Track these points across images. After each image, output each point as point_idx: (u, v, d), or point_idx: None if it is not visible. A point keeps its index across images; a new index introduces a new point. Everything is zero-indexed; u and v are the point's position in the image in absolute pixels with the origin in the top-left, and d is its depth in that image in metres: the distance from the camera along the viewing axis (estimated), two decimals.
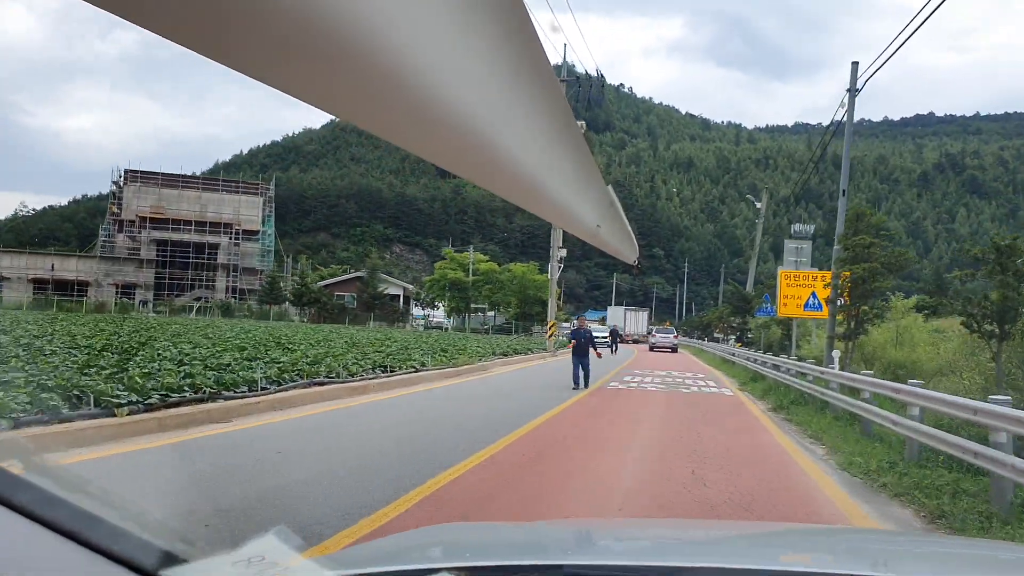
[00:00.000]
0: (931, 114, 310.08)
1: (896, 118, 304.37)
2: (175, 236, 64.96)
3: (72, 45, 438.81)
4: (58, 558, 0.85)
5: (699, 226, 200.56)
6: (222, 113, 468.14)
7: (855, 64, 17.50)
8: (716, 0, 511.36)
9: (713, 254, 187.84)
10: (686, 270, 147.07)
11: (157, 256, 64.46)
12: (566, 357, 39.08)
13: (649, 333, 60.00)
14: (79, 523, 0.87)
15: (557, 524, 3.78)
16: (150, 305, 61.05)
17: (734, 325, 36.53)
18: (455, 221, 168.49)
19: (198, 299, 63.23)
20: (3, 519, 0.82)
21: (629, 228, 8.44)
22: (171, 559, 0.92)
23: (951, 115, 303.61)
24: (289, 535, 1.22)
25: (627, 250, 9.56)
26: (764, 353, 23.07)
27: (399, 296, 65.41)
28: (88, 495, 0.93)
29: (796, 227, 63.65)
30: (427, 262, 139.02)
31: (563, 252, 78.98)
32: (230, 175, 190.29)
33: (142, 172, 68.20)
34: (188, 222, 65.51)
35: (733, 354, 30.85)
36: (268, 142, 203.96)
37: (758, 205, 39.41)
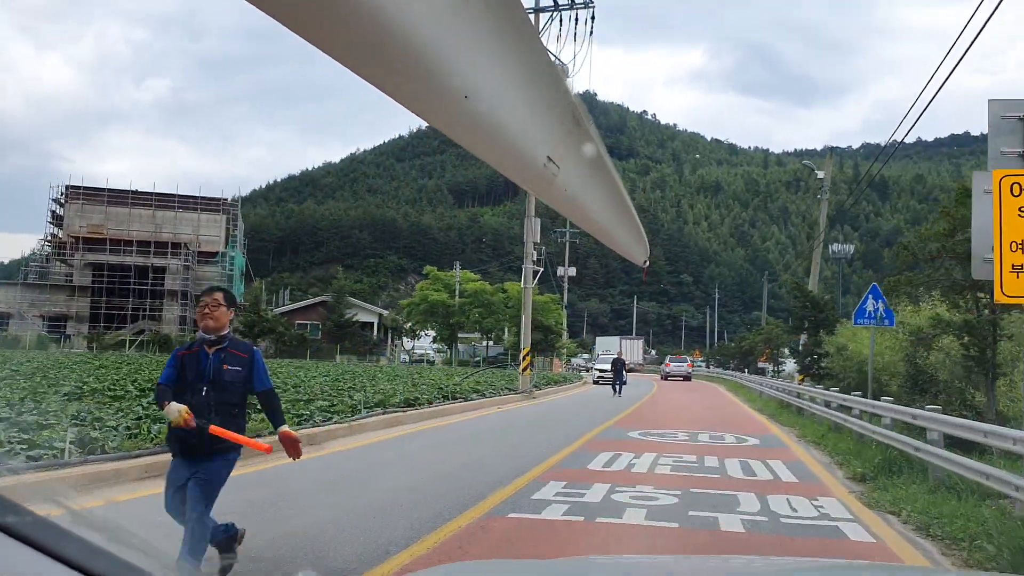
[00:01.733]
0: (966, 133, 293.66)
1: (930, 139, 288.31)
2: (114, 259, 53.92)
3: (107, 93, 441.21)
4: None
5: (729, 251, 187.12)
6: (250, 155, 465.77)
7: None
8: (737, 27, 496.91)
9: (745, 279, 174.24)
10: (716, 296, 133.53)
11: (93, 283, 53.51)
12: (544, 402, 26.25)
13: (663, 363, 55.71)
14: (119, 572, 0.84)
15: (578, 562, 3.08)
16: (75, 339, 49.96)
17: (796, 348, 22.98)
18: (471, 250, 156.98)
19: (140, 332, 52.01)
20: (45, 567, 0.79)
21: (624, 193, 4.27)
22: None
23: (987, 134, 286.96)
24: None
25: (624, 232, 4.67)
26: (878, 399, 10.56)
27: (373, 324, 53.45)
28: (127, 544, 0.91)
29: (835, 247, 50.18)
30: None
31: (571, 271, 66.55)
32: (247, 209, 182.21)
33: (85, 188, 57.64)
34: (129, 243, 54.48)
35: (799, 394, 18.38)
36: (285, 176, 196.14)
37: (819, 174, 27.02)
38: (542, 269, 28.26)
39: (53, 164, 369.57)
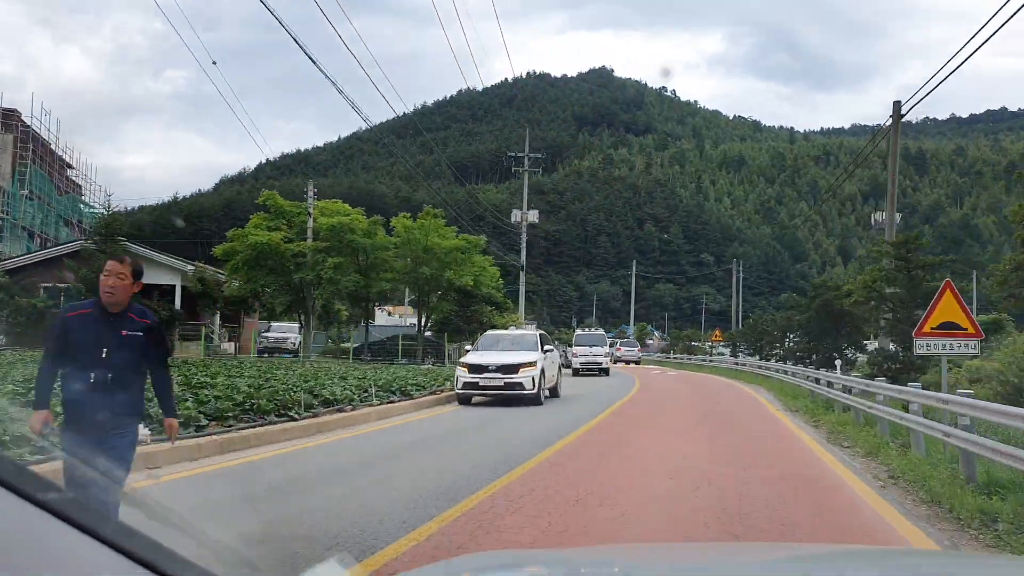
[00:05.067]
0: (1003, 109, 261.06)
1: (964, 115, 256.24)
2: None
3: (127, 86, 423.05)
4: None
5: (754, 228, 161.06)
6: (272, 146, 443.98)
7: None
8: (756, 11, 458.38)
9: (772, 259, 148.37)
10: (740, 274, 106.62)
11: None
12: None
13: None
14: (151, 553, 0.81)
15: (604, 551, 3.10)
16: None
17: None
18: (469, 228, 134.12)
19: None
20: (86, 547, 0.77)
21: None
22: None
23: None
24: (350, 561, 1.02)
25: None
26: None
27: (173, 288, 30.42)
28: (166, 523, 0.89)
29: (877, 216, 32.52)
30: None
31: (532, 215, 42.86)
32: (232, 188, 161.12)
33: None
34: None
35: None
36: (278, 155, 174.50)
37: None
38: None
39: (76, 158, 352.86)
